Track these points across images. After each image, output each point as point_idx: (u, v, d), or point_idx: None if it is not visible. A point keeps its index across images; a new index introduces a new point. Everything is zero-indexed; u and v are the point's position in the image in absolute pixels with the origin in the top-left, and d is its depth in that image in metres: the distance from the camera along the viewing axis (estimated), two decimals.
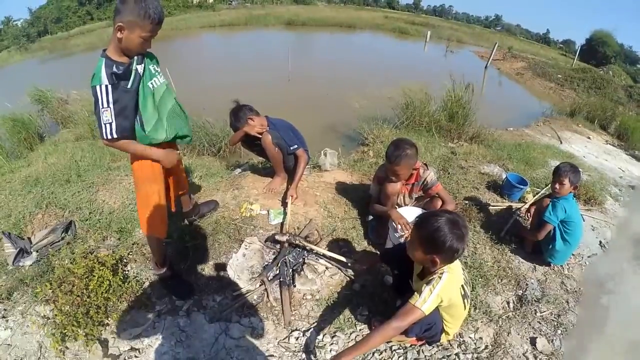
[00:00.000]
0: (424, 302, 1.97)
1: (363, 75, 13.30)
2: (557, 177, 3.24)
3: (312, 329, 2.66)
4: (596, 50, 36.96)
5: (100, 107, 2.01)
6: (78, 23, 44.49)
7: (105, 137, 2.06)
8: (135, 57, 2.17)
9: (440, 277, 2.02)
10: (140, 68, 2.17)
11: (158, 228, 2.60)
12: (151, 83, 2.28)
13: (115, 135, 2.06)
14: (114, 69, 2.04)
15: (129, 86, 2.10)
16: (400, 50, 23.57)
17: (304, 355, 2.51)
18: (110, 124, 2.04)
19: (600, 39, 38.59)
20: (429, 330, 2.29)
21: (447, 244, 1.91)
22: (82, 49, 23.81)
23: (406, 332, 2.24)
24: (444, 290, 2.00)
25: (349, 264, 2.95)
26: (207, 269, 3.12)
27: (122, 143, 2.15)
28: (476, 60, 20.73)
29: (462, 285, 2.18)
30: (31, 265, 3.12)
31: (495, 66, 18.55)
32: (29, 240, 3.35)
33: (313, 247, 3.21)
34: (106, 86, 2.00)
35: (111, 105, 2.02)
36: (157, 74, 2.36)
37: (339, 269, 3.15)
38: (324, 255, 3.19)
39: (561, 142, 7.64)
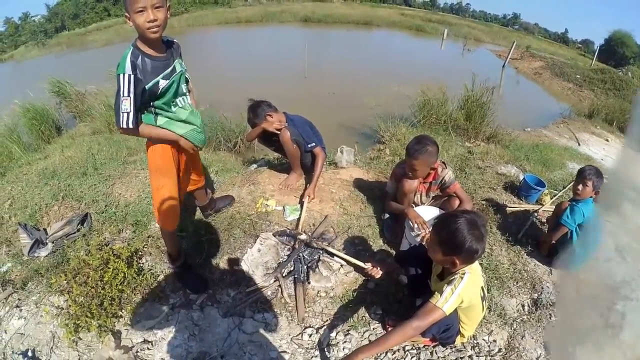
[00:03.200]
0: (445, 301, 1.95)
1: (379, 72, 13.23)
2: (582, 179, 3.18)
3: (325, 327, 2.66)
4: (615, 51, 36.42)
5: (121, 95, 2.02)
6: (95, 19, 44.96)
7: (121, 126, 2.08)
8: (173, 65, 2.23)
9: (462, 278, 1.99)
10: (167, 82, 2.19)
11: (168, 221, 2.61)
12: (180, 100, 2.34)
13: (131, 125, 2.08)
14: (142, 60, 2.06)
15: (147, 86, 2.10)
16: (417, 48, 23.40)
17: (317, 353, 2.50)
18: (129, 113, 2.04)
19: (619, 39, 38.04)
20: (446, 331, 2.26)
21: (466, 245, 1.90)
22: (99, 45, 24.04)
23: (423, 332, 2.20)
24: (465, 291, 1.98)
25: (365, 270, 2.91)
26: (222, 264, 3.12)
27: (134, 131, 2.16)
28: (493, 59, 20.55)
29: (482, 287, 2.15)
30: (46, 256, 3.15)
31: (513, 65, 18.34)
32: (44, 231, 3.38)
33: (332, 250, 3.19)
34: (129, 75, 2.00)
35: (131, 95, 2.02)
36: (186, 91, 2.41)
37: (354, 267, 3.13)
38: (342, 259, 3.17)
39: (579, 144, 7.53)
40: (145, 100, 2.17)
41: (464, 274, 2.01)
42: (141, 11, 1.97)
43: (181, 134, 2.40)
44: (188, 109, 2.45)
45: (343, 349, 2.51)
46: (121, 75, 2.01)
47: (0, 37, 43.21)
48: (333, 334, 2.61)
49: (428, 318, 1.94)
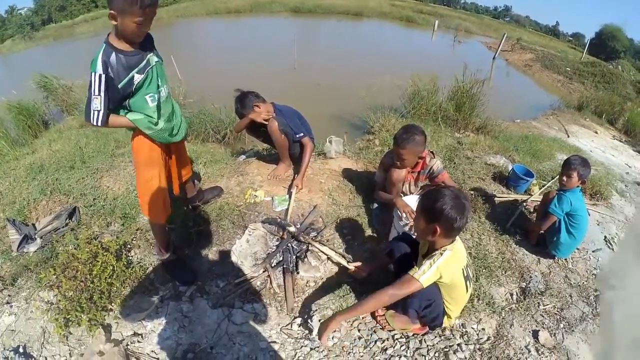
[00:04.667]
0: (423, 273, 2.05)
1: (370, 63, 13.19)
2: (566, 170, 3.21)
3: (315, 316, 2.65)
4: (606, 45, 36.51)
5: (92, 93, 2.02)
6: (82, 11, 44.26)
7: (91, 122, 2.10)
8: (148, 59, 2.19)
9: (442, 254, 2.09)
10: (142, 76, 2.17)
11: (159, 213, 2.61)
12: (157, 92, 2.30)
13: (100, 124, 2.09)
14: (116, 57, 2.04)
15: (121, 85, 2.08)
16: (408, 40, 23.30)
17: (306, 342, 2.51)
18: (99, 111, 2.06)
19: (610, 33, 38.14)
20: (428, 307, 2.30)
21: (445, 211, 1.99)
22: (87, 37, 23.67)
23: (406, 308, 2.32)
24: (444, 265, 2.06)
25: (348, 271, 2.95)
26: (211, 255, 3.12)
27: (101, 127, 2.17)
28: (484, 51, 20.51)
29: (465, 267, 2.22)
30: (35, 251, 3.13)
31: (503, 57, 18.34)
32: (33, 226, 3.36)
33: (318, 245, 3.18)
34: (100, 75, 2.00)
35: (102, 94, 2.03)
36: (163, 84, 2.36)
37: (343, 256, 3.15)
38: (327, 256, 3.17)
39: (568, 136, 7.60)
40: (121, 98, 2.16)
41: (445, 250, 2.10)
42: (139, 22, 1.99)
43: (159, 128, 2.39)
44: (169, 103, 2.45)
45: (332, 337, 2.53)
46: (93, 74, 2.01)
47: None
48: None
49: (404, 288, 2.06)
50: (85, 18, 37.44)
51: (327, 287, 2.90)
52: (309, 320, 2.61)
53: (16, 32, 36.93)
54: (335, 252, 3.16)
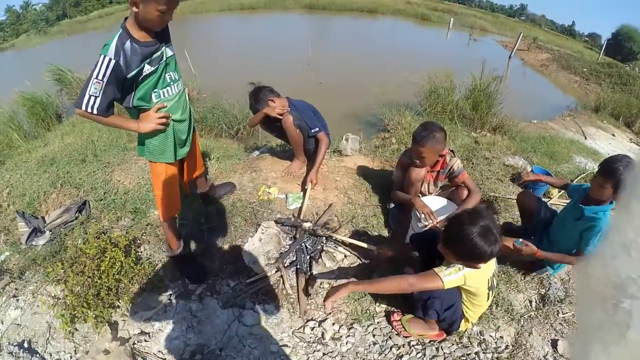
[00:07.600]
0: (448, 274, 2.03)
1: (384, 61, 13.13)
2: (605, 178, 2.47)
3: (328, 320, 2.60)
4: (622, 46, 36.06)
5: (94, 76, 1.89)
6: (97, 7, 44.74)
7: (83, 108, 1.94)
8: (162, 51, 2.11)
9: None
10: (151, 68, 2.07)
11: (169, 208, 2.55)
12: (165, 91, 2.20)
13: (94, 112, 1.94)
14: (131, 45, 1.95)
15: (130, 75, 1.98)
16: (422, 37, 23.17)
17: (319, 347, 2.44)
18: (96, 97, 1.92)
19: (626, 34, 37.71)
20: (449, 309, 2.26)
21: (487, 253, 1.93)
22: (101, 32, 23.87)
23: (426, 309, 2.27)
24: (470, 274, 2.05)
25: (374, 251, 2.91)
26: (222, 253, 3.06)
27: (95, 117, 2.00)
28: (500, 50, 20.29)
29: (491, 277, 2.19)
30: (44, 244, 3.13)
31: (519, 56, 18.14)
32: (42, 219, 3.36)
33: (335, 235, 3.14)
34: (110, 60, 1.89)
35: (105, 80, 1.90)
36: (176, 80, 2.28)
37: (359, 257, 3.07)
38: (344, 243, 3.13)
39: (585, 138, 7.47)
40: (127, 89, 2.05)
41: None
42: (162, 11, 1.92)
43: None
44: (182, 101, 2.36)
45: (346, 343, 2.47)
46: (102, 57, 1.90)
47: (2, 26, 43.09)
48: (336, 328, 2.56)
49: (425, 282, 2.05)
50: (99, 14, 37.83)
51: None
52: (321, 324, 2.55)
53: (31, 27, 37.43)
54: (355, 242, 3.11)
